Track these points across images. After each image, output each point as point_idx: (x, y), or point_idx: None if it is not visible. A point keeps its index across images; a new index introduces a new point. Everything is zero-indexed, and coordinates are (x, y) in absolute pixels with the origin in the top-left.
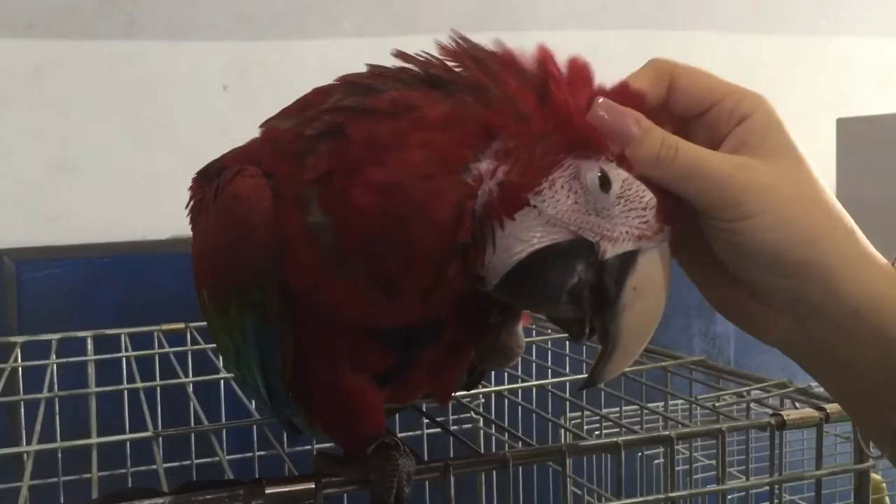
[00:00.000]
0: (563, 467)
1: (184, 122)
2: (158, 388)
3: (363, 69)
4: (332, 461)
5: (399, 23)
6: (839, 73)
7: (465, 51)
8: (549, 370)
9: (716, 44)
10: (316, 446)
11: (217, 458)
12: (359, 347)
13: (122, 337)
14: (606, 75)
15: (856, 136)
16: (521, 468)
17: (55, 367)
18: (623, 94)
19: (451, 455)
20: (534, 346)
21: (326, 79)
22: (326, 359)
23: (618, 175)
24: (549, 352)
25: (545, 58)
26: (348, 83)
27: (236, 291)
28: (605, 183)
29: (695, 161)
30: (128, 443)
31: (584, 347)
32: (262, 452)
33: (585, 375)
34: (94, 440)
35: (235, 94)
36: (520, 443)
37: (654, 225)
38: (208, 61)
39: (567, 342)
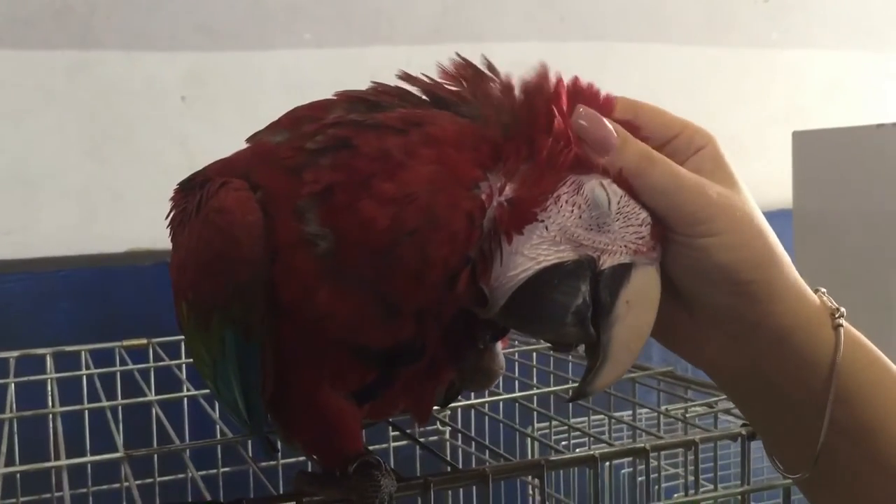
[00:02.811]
0: (542, 481)
1: (142, 133)
2: (120, 407)
3: (323, 80)
4: (312, 480)
5: (360, 34)
6: (791, 85)
7: (469, 69)
8: (517, 381)
9: (671, 56)
10: (281, 461)
11: (182, 476)
12: (340, 364)
13: (83, 354)
14: None
15: (811, 148)
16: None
17: (13, 385)
18: (599, 105)
19: (419, 466)
20: (515, 362)
21: (286, 90)
22: (307, 375)
23: (615, 191)
24: (516, 363)
25: (555, 81)
26: (349, 98)
27: (219, 307)
28: (605, 200)
29: (672, 173)
30: (88, 464)
31: (551, 358)
32: (226, 469)
33: (554, 388)
34: (63, 462)
35: (194, 105)
36: (487, 452)
37: (649, 241)
38: (167, 72)
39: (534, 353)
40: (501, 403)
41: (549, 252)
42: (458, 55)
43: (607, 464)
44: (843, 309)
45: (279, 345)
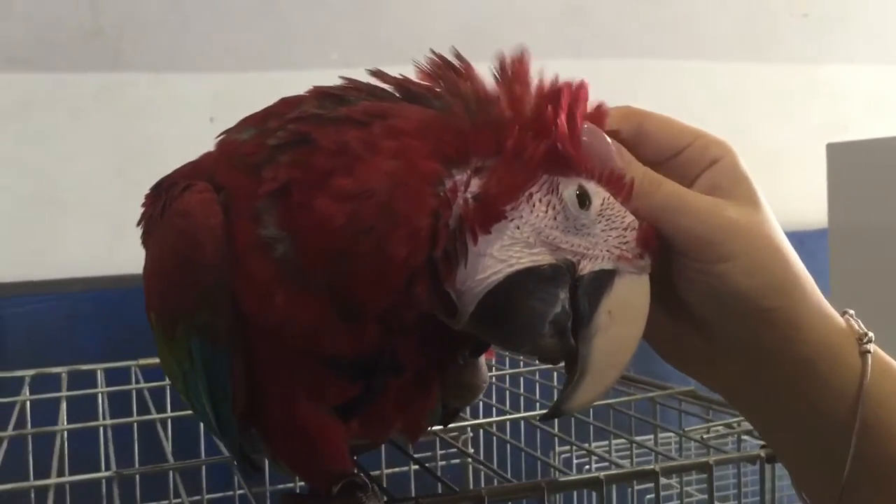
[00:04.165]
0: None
1: (170, 154)
2: (135, 424)
3: None
4: (297, 502)
5: (387, 53)
6: (830, 100)
7: (444, 65)
8: (538, 403)
9: (706, 72)
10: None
11: (179, 500)
12: (316, 376)
13: (98, 372)
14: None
15: (846, 161)
16: None
17: (28, 403)
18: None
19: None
20: (521, 378)
21: None
22: (282, 388)
23: (598, 193)
24: (537, 384)
25: (555, 84)
26: (319, 94)
27: (183, 313)
28: (584, 200)
29: (677, 195)
30: (103, 482)
31: None
32: (211, 496)
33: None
34: (51, 480)
35: (222, 126)
36: (495, 479)
37: (634, 248)
38: (195, 93)
39: (555, 373)
40: (523, 426)
41: (522, 254)
42: (434, 52)
43: (629, 489)
44: (871, 333)
45: (250, 355)
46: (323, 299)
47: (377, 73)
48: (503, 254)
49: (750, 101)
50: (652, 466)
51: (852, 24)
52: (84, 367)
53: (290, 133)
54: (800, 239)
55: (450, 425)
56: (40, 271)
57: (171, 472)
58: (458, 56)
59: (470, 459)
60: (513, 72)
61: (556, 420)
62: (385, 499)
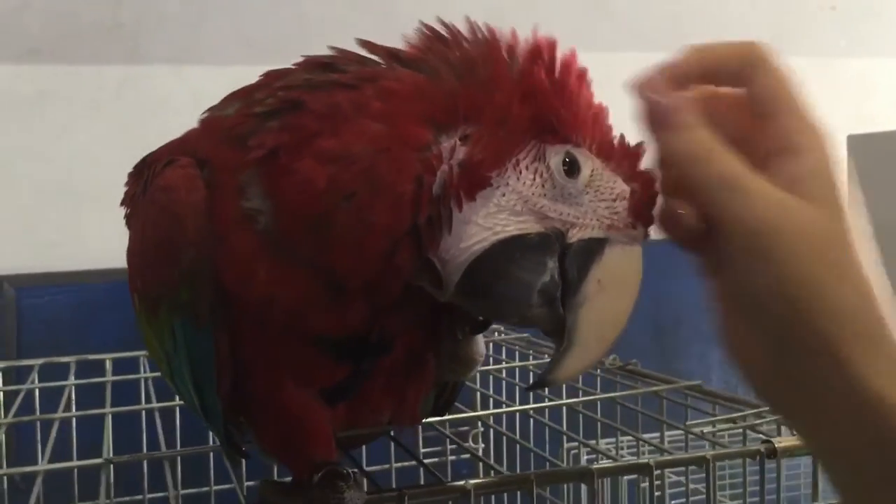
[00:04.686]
0: (532, 497)
1: None
2: (143, 413)
3: None
4: (277, 489)
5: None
6: (860, 93)
7: (433, 35)
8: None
9: None
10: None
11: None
12: (302, 357)
13: (107, 362)
14: (621, 98)
15: (868, 152)
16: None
17: (37, 391)
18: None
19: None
20: (529, 373)
21: None
22: (267, 369)
23: (588, 162)
24: None
25: (531, 41)
26: (308, 64)
27: (165, 290)
28: (573, 168)
29: (736, 176)
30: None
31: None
32: (219, 487)
33: (567, 400)
34: (40, 467)
35: None
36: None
37: (624, 217)
38: (213, 85)
39: None
40: (532, 423)
41: (509, 222)
42: (422, 23)
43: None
44: None
45: (234, 335)
46: (307, 273)
47: (366, 44)
48: (489, 221)
49: None
50: (646, 460)
51: (881, 17)
52: (92, 357)
53: (279, 100)
54: None
55: (461, 419)
56: (57, 263)
57: (165, 461)
58: (445, 24)
59: (469, 454)
60: (498, 37)
61: (564, 417)
62: (366, 489)
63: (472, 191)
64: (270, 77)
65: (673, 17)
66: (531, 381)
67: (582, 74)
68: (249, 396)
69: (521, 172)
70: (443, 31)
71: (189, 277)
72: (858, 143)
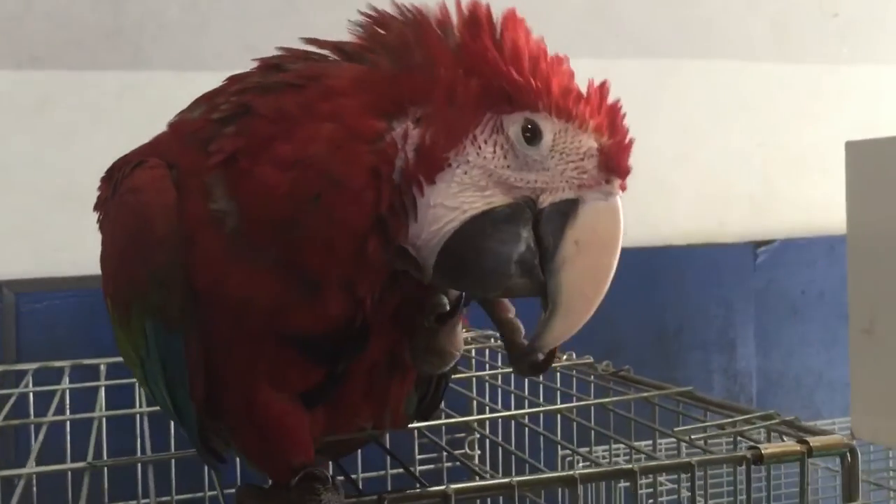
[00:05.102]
0: (513, 503)
1: None
2: (138, 416)
3: None
4: (255, 494)
5: None
6: (863, 101)
7: (371, 21)
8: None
9: (733, 73)
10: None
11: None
12: (277, 359)
13: (102, 366)
14: (622, 105)
15: (866, 159)
16: None
17: (31, 395)
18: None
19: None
20: (525, 380)
21: None
22: (242, 373)
23: (549, 125)
24: (541, 385)
25: (471, 11)
26: (262, 66)
27: (136, 293)
28: (535, 134)
29: None
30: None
31: (573, 379)
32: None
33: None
34: (24, 470)
35: None
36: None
37: (595, 174)
38: None
39: (558, 373)
40: (527, 432)
41: (475, 199)
42: (362, 12)
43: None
44: None
45: (208, 338)
46: (279, 272)
47: (312, 41)
48: (454, 201)
49: (779, 102)
50: (631, 466)
51: (884, 24)
52: (87, 362)
53: (232, 105)
54: (829, 244)
55: (451, 424)
56: (59, 268)
57: (148, 465)
58: (377, 10)
59: (458, 462)
60: (426, 13)
61: (559, 424)
62: (343, 493)
63: (430, 174)
64: (231, 81)
65: (675, 24)
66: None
67: (527, 32)
68: (225, 400)
69: (479, 147)
70: (377, 17)
71: (159, 278)
72: (856, 150)
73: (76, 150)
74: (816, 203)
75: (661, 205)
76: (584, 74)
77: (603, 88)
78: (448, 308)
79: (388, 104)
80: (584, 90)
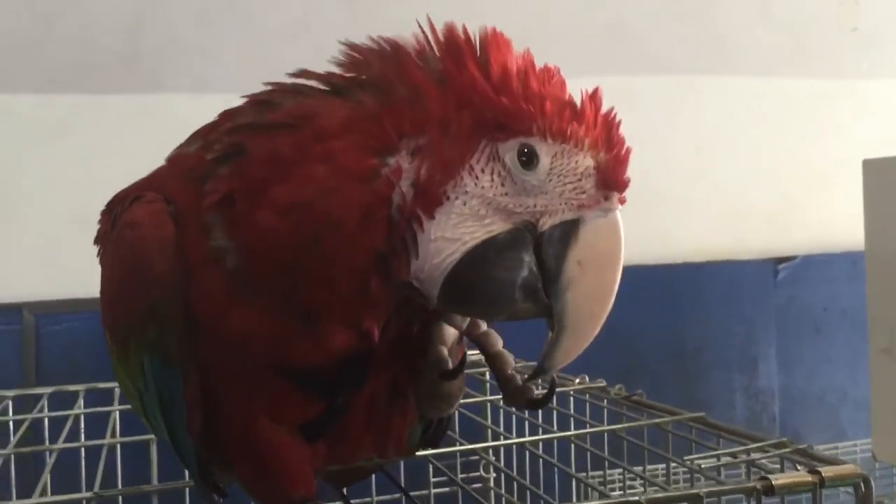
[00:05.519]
0: None
1: None
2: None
3: None
4: None
5: None
6: (883, 116)
7: (369, 49)
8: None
9: (752, 88)
10: None
11: None
12: (276, 392)
13: (116, 390)
14: (638, 122)
15: (884, 177)
16: None
17: (47, 420)
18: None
19: None
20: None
21: None
22: (240, 406)
23: (545, 147)
24: (555, 412)
25: (449, 36)
26: (252, 102)
27: (134, 328)
28: (531, 158)
29: None
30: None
31: (586, 404)
32: None
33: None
34: (29, 501)
35: None
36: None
37: (594, 193)
38: None
39: (571, 397)
40: (541, 462)
41: (476, 228)
42: (346, 43)
43: None
44: None
45: (206, 372)
46: (281, 309)
47: (303, 73)
48: (454, 233)
49: (796, 117)
50: (637, 498)
51: None
52: (102, 386)
53: (225, 145)
54: (851, 260)
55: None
56: (78, 290)
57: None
58: (356, 46)
59: (479, 484)
60: (402, 44)
61: (572, 451)
62: None
63: (429, 210)
64: (223, 117)
65: (691, 40)
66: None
67: (510, 48)
68: (224, 433)
69: (477, 177)
70: (356, 54)
71: (156, 313)
72: (874, 168)
73: (94, 173)
74: (837, 219)
75: (679, 221)
76: (604, 91)
77: (596, 99)
78: (450, 367)
79: (377, 142)
80: (577, 99)
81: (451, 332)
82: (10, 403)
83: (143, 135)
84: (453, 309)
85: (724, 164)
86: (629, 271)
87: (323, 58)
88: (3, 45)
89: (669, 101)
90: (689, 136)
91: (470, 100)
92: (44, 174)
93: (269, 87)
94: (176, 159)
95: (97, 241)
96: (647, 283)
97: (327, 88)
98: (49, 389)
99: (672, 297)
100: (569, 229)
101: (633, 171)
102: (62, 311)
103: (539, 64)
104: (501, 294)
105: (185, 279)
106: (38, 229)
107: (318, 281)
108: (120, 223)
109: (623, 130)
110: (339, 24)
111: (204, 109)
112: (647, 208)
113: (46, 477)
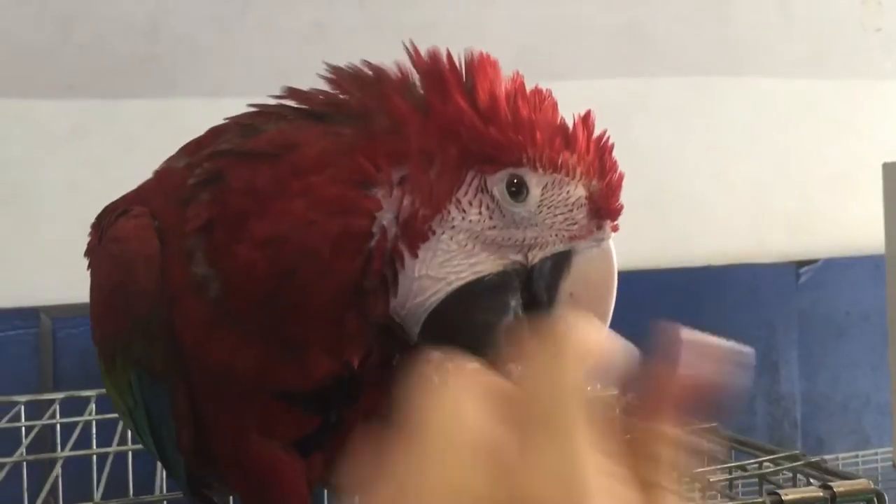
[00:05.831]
0: None
1: None
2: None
3: None
4: None
5: None
6: None
7: (351, 76)
8: None
9: (773, 90)
10: None
11: None
12: (267, 410)
13: None
14: (657, 124)
15: None
16: None
17: (59, 426)
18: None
19: None
20: None
21: None
22: (231, 422)
23: (535, 178)
24: None
25: (432, 63)
26: (236, 124)
27: (120, 341)
28: (520, 189)
29: None
30: None
31: None
32: None
33: None
34: None
35: None
36: None
37: (585, 223)
38: None
39: None
40: None
41: (462, 267)
42: (329, 66)
43: None
44: None
45: (195, 388)
46: (263, 338)
47: (289, 93)
48: (440, 272)
49: (820, 119)
50: None
51: None
52: None
53: (206, 171)
54: (874, 263)
55: None
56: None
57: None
58: (335, 72)
59: None
60: (385, 72)
61: None
62: None
63: (413, 247)
64: (209, 136)
65: (710, 41)
66: None
67: (497, 72)
68: (215, 449)
69: (464, 210)
70: (336, 81)
71: (142, 328)
72: (894, 172)
73: (110, 177)
74: (859, 221)
75: (698, 224)
76: (620, 94)
77: (588, 123)
78: None
79: (356, 175)
80: (570, 118)
81: None
82: (23, 409)
83: (159, 139)
84: (435, 346)
85: (743, 167)
86: (648, 275)
87: (337, 61)
88: (20, 51)
89: (688, 103)
90: (708, 139)
91: (456, 132)
92: (60, 178)
93: (254, 110)
94: (163, 174)
95: (87, 253)
96: (666, 286)
97: (308, 110)
98: (61, 395)
99: (692, 300)
100: (560, 261)
101: (651, 173)
102: (80, 315)
103: (548, 67)
104: (484, 336)
105: (170, 299)
106: (55, 233)
107: (296, 314)
108: (106, 237)
109: (616, 155)
110: (354, 27)
111: (219, 113)
112: (666, 211)
113: (48, 486)
